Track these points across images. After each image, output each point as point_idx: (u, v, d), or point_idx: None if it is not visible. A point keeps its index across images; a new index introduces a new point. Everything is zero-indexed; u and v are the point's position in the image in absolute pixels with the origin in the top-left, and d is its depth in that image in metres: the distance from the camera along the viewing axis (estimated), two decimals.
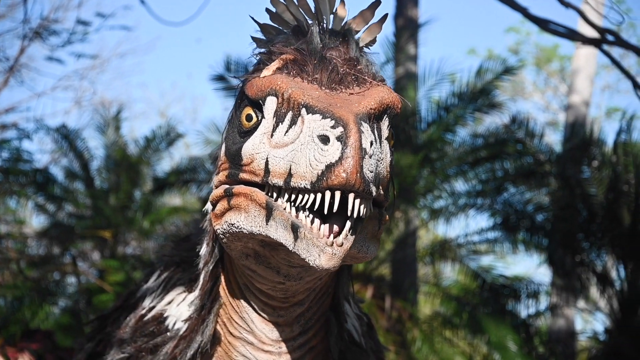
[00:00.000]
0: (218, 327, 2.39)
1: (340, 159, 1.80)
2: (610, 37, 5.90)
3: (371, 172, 1.86)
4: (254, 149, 2.02)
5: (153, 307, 2.60)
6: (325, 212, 1.86)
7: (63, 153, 13.96)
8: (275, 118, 2.01)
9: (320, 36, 2.13)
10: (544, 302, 12.91)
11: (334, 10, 2.18)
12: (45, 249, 12.86)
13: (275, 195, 1.97)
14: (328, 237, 1.87)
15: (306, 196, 1.88)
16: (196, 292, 2.45)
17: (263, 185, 2.00)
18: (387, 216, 2.13)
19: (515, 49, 28.82)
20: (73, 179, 13.85)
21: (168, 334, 2.47)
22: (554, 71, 28.81)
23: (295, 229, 1.89)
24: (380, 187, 1.97)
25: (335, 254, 1.85)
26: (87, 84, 19.34)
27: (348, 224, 1.88)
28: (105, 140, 14.13)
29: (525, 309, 11.87)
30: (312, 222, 1.89)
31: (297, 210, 1.91)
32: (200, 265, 2.44)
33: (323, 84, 2.03)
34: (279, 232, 1.93)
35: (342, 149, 1.81)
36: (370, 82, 2.09)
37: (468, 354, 10.88)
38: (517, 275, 13.28)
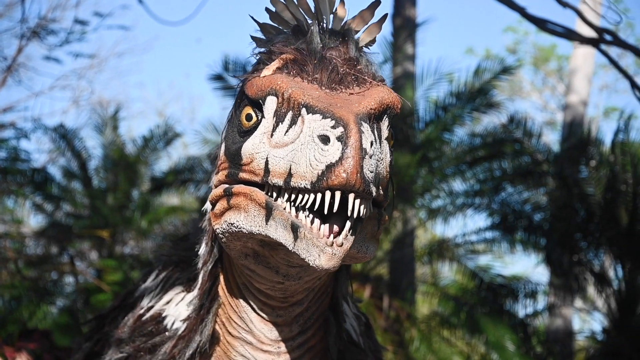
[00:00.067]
0: (217, 327, 2.38)
1: (341, 159, 1.80)
2: (608, 37, 5.91)
3: (371, 172, 1.86)
4: (254, 148, 2.02)
5: (151, 307, 2.60)
6: (326, 212, 1.86)
7: (61, 152, 13.97)
8: (275, 118, 2.00)
9: (320, 36, 2.13)
10: (541, 302, 12.94)
11: (333, 10, 2.18)
12: (43, 249, 12.86)
13: (275, 195, 1.96)
14: (328, 237, 1.87)
15: (306, 196, 1.87)
16: (195, 292, 2.44)
17: (263, 185, 2.00)
18: (387, 216, 2.14)
19: (513, 48, 28.84)
20: (71, 179, 13.85)
21: (166, 333, 2.47)
22: (552, 71, 28.82)
23: (295, 228, 1.89)
24: (380, 188, 1.97)
25: (335, 254, 1.85)
26: (84, 83, 19.33)
27: (348, 224, 1.88)
28: (103, 139, 14.13)
29: (523, 309, 11.88)
30: (312, 222, 1.89)
31: (297, 210, 1.91)
32: (199, 264, 2.43)
33: (323, 84, 2.03)
34: (278, 232, 1.93)
35: (343, 149, 1.81)
36: (370, 82, 2.09)
37: (466, 353, 10.89)
38: (515, 275, 13.29)
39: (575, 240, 11.29)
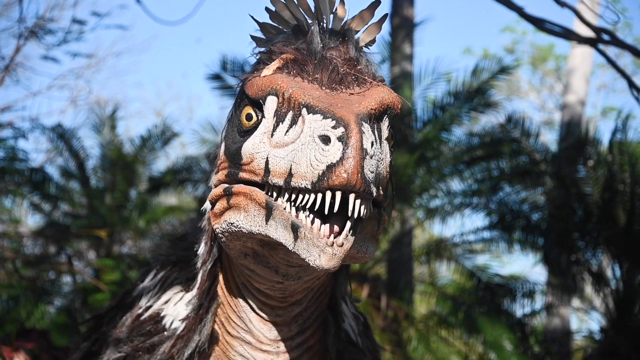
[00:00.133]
0: (216, 327, 2.38)
1: (342, 159, 1.80)
2: (605, 37, 5.91)
3: (372, 172, 1.86)
4: (254, 148, 2.02)
5: (150, 307, 2.59)
6: (326, 212, 1.86)
7: (59, 152, 13.97)
8: (275, 118, 2.01)
9: (321, 36, 2.13)
10: (539, 302, 12.95)
11: (334, 10, 2.18)
12: (40, 248, 12.87)
13: (275, 195, 1.96)
14: (328, 238, 1.87)
15: (306, 196, 1.87)
16: (194, 292, 2.44)
17: (263, 185, 2.00)
18: (386, 216, 2.14)
19: (511, 48, 28.85)
20: (68, 178, 13.85)
21: (165, 333, 2.47)
22: (550, 70, 28.84)
23: (295, 228, 1.89)
24: (380, 188, 1.98)
25: (335, 254, 1.85)
26: (82, 83, 19.33)
27: (348, 224, 1.88)
28: (101, 139, 14.13)
29: (520, 308, 11.88)
30: (313, 222, 1.89)
31: (297, 210, 1.91)
32: (198, 264, 2.43)
33: (323, 84, 2.03)
34: (278, 232, 1.93)
35: (343, 149, 1.81)
36: (371, 82, 2.09)
37: (464, 353, 10.89)
38: (513, 275, 13.31)
39: (573, 240, 11.29)
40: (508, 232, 11.66)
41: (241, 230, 2.04)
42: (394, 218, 11.27)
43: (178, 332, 2.42)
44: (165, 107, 32.97)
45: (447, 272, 12.44)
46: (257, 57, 2.24)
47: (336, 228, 1.89)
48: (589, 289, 11.89)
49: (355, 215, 1.85)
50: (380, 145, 1.99)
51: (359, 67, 2.12)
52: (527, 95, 29.33)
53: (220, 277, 2.39)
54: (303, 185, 1.86)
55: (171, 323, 2.48)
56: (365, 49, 2.23)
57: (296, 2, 2.18)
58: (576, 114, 14.98)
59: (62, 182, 13.81)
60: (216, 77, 12.02)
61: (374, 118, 1.98)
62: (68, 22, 10.28)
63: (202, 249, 2.42)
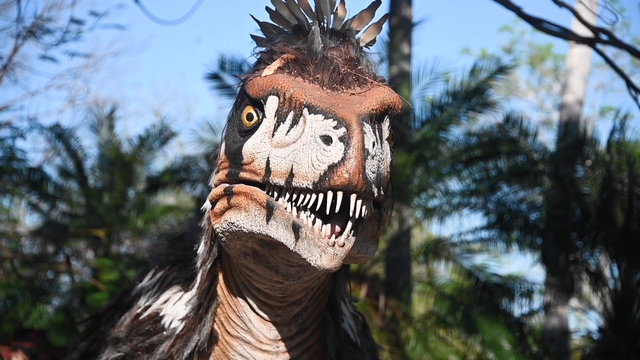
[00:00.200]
0: (215, 326, 2.39)
1: (343, 159, 1.80)
2: (603, 37, 5.91)
3: (373, 173, 1.87)
4: (255, 148, 2.02)
5: (149, 306, 2.60)
6: (327, 212, 1.86)
7: (57, 152, 13.96)
8: (276, 118, 2.01)
9: (321, 36, 2.13)
10: (537, 301, 12.97)
11: (334, 10, 2.18)
12: (39, 248, 12.85)
13: (275, 194, 1.97)
14: (330, 238, 1.87)
15: (308, 196, 1.88)
16: (193, 291, 2.44)
17: (263, 185, 2.00)
18: (386, 216, 2.14)
19: (509, 48, 28.87)
20: (67, 178, 13.84)
21: (164, 332, 2.47)
22: (548, 70, 28.86)
23: (296, 228, 1.89)
24: (381, 188, 1.98)
25: (336, 254, 1.85)
26: (80, 82, 19.31)
27: (350, 224, 1.88)
28: (99, 139, 14.12)
29: (519, 308, 11.90)
30: (314, 222, 1.89)
31: (298, 210, 1.91)
32: (198, 264, 2.43)
33: (324, 84, 2.03)
34: (279, 232, 1.93)
35: (345, 149, 1.81)
36: (371, 82, 2.09)
37: (462, 352, 10.89)
38: (511, 274, 13.31)
39: (571, 240, 11.31)
40: (506, 232, 11.67)
41: (242, 230, 2.04)
42: (392, 218, 11.27)
43: (177, 331, 2.43)
44: (163, 106, 32.97)
45: (446, 272, 12.44)
46: (258, 57, 2.24)
47: (337, 228, 1.89)
48: (587, 289, 11.89)
49: (357, 215, 1.86)
50: (381, 145, 1.99)
51: (359, 67, 2.12)
52: (525, 95, 29.35)
53: (220, 277, 2.39)
54: (304, 185, 1.86)
55: (170, 323, 2.48)
56: (365, 49, 2.24)
57: (296, 2, 2.18)
58: (574, 113, 14.99)
59: (60, 182, 13.79)
60: (214, 76, 12.03)
61: (375, 118, 1.98)
62: (66, 22, 10.28)
63: (201, 249, 2.42)
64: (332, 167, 1.81)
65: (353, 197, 1.83)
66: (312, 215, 1.90)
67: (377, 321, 10.37)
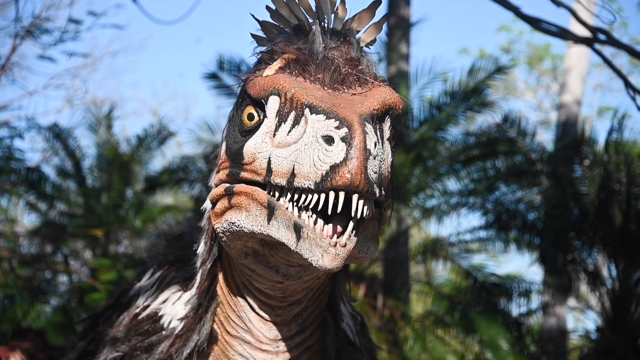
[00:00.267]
0: (215, 326, 2.38)
1: (345, 159, 1.80)
2: (602, 36, 5.91)
3: (375, 173, 1.87)
4: (256, 148, 2.02)
5: (147, 306, 2.59)
6: (330, 212, 1.86)
7: (55, 152, 13.95)
8: (277, 118, 2.01)
9: (322, 36, 2.13)
10: (535, 301, 12.97)
11: (335, 10, 2.18)
12: (37, 248, 12.85)
13: (277, 194, 1.97)
14: (331, 238, 1.87)
15: (309, 196, 1.87)
16: (193, 291, 2.44)
17: (264, 185, 2.00)
18: (387, 216, 2.14)
19: (507, 47, 28.86)
20: (65, 178, 13.84)
21: (163, 332, 2.47)
22: (546, 70, 28.86)
23: (297, 228, 1.89)
24: (382, 188, 1.97)
25: (338, 254, 1.85)
26: (79, 82, 19.32)
27: (351, 224, 1.88)
28: (97, 139, 14.12)
29: (517, 308, 11.90)
30: (315, 222, 1.89)
31: (299, 210, 1.91)
32: (198, 263, 2.43)
33: (325, 84, 2.03)
34: (280, 232, 1.93)
35: (347, 149, 1.81)
36: (372, 82, 2.09)
37: (460, 352, 10.89)
38: (509, 274, 13.32)
39: (569, 239, 11.32)
40: (504, 232, 11.68)
41: (242, 230, 2.04)
42: (391, 218, 11.26)
43: (176, 331, 2.42)
44: (162, 106, 32.98)
45: (444, 272, 12.44)
46: (258, 57, 2.24)
47: (339, 228, 1.89)
48: (585, 289, 11.91)
49: (359, 215, 1.86)
50: (383, 145, 1.99)
51: (360, 68, 2.12)
52: (524, 94, 29.35)
53: (220, 277, 2.38)
54: (306, 186, 1.86)
55: (169, 322, 2.48)
56: (365, 49, 2.24)
57: (297, 1, 2.18)
58: (572, 113, 15.00)
59: (59, 182, 13.79)
60: (213, 76, 12.04)
61: (377, 118, 1.98)
62: (64, 22, 10.30)
63: (201, 248, 2.42)
64: (334, 168, 1.81)
65: (355, 197, 1.83)
66: (314, 216, 1.90)
67: (375, 321, 10.37)
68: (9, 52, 11.19)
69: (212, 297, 2.38)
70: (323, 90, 2.01)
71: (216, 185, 2.20)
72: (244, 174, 2.06)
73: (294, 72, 2.06)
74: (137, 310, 2.61)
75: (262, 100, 2.06)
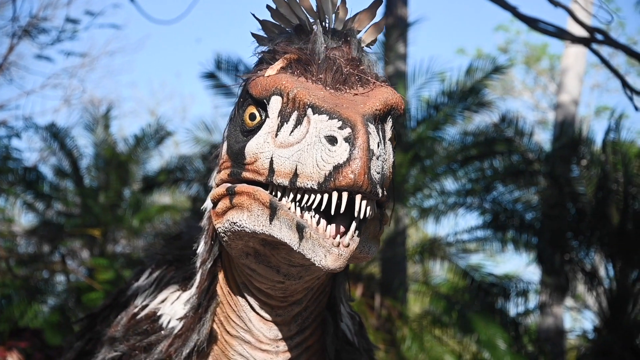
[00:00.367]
0: (215, 326, 2.38)
1: (348, 160, 1.80)
2: (599, 36, 5.93)
3: (378, 173, 1.87)
4: (258, 148, 2.02)
5: (146, 306, 2.59)
6: (332, 212, 1.86)
7: (52, 151, 13.96)
8: (279, 118, 2.00)
9: (324, 36, 2.13)
10: (533, 301, 12.97)
11: (336, 10, 2.18)
12: (34, 247, 12.85)
13: (279, 195, 1.96)
14: (334, 238, 1.87)
15: (312, 196, 1.87)
16: (192, 291, 2.43)
17: (266, 185, 2.00)
18: (387, 216, 2.14)
19: (505, 47, 28.86)
20: (62, 178, 13.85)
21: (162, 332, 2.46)
22: (544, 70, 28.86)
23: (300, 229, 1.88)
24: (384, 188, 1.97)
25: (341, 254, 1.85)
26: (76, 82, 19.25)
27: (354, 224, 1.88)
28: (95, 138, 14.13)
29: (514, 308, 11.91)
30: (318, 222, 1.89)
31: (302, 210, 1.91)
32: (198, 263, 2.42)
33: (327, 85, 2.03)
34: (283, 232, 1.92)
35: (350, 150, 1.81)
36: (374, 82, 2.09)
37: (457, 352, 10.90)
38: (507, 274, 13.32)
39: (566, 239, 11.32)
40: (502, 232, 11.68)
41: (244, 230, 2.03)
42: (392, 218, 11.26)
43: (175, 331, 2.42)
44: (159, 106, 32.95)
45: (441, 272, 12.45)
46: (260, 57, 2.24)
47: (342, 228, 1.89)
48: (582, 288, 11.92)
49: (362, 216, 1.86)
50: (385, 146, 1.99)
51: (361, 68, 2.12)
52: (521, 94, 29.35)
53: (220, 276, 2.38)
54: (309, 186, 1.86)
55: (168, 322, 2.48)
56: (366, 49, 2.24)
57: (298, 1, 2.18)
58: (570, 113, 15.01)
59: (56, 182, 13.80)
60: (210, 75, 12.03)
61: (379, 119, 1.98)
62: (62, 21, 10.27)
63: (201, 248, 2.42)
64: (337, 168, 1.80)
65: (358, 197, 1.83)
66: (317, 216, 1.89)
67: (373, 321, 10.37)
68: (6, 51, 11.19)
69: (212, 296, 2.37)
70: (325, 90, 2.00)
71: (217, 185, 2.19)
72: (246, 174, 2.05)
73: (295, 72, 2.05)
74: (136, 309, 2.61)
75: (264, 100, 2.05)
